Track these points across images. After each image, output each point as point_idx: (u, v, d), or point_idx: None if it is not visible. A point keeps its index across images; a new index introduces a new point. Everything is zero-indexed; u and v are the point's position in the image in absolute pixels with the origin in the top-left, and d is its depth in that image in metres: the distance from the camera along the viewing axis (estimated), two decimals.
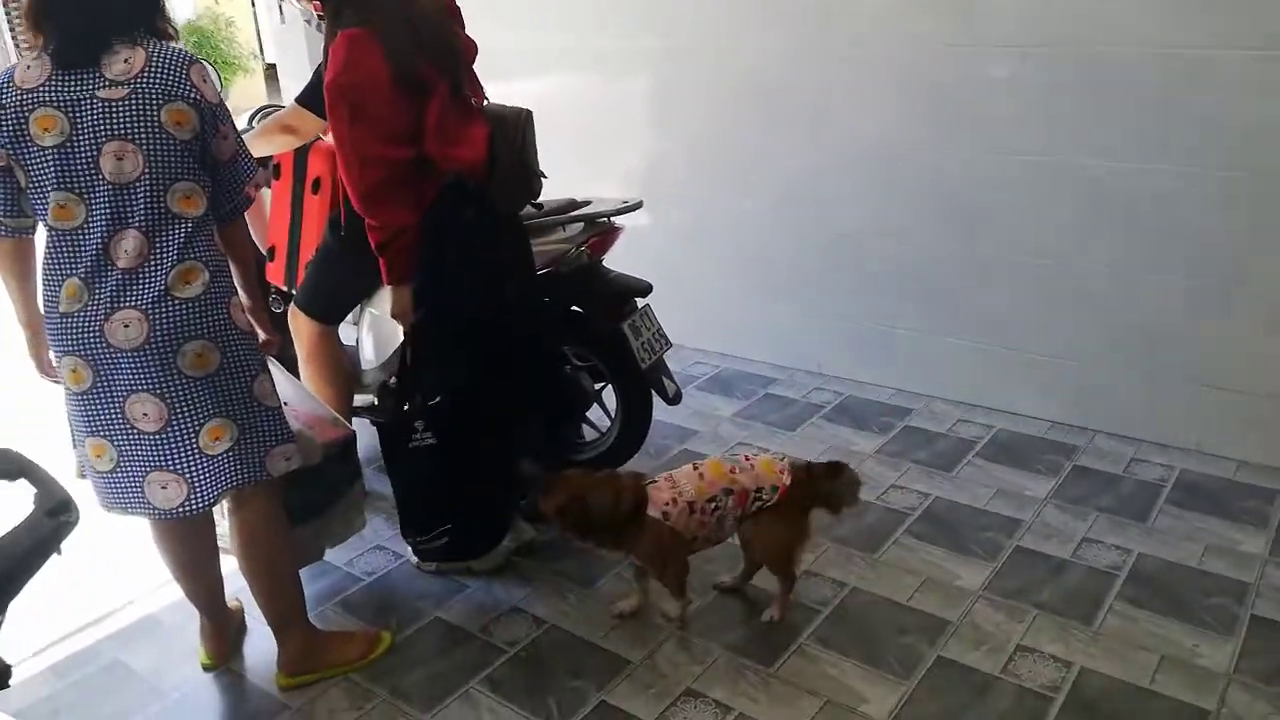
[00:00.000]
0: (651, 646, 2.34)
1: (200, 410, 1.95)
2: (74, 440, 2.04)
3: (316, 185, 2.87)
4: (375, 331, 2.98)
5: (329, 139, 2.93)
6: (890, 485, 3.01)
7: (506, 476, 2.67)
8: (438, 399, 2.50)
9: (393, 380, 2.99)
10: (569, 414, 3.06)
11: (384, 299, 2.91)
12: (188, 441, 1.96)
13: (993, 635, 2.33)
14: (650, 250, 3.29)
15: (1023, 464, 3.10)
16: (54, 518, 1.03)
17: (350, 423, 2.58)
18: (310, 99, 2.64)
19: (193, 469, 1.97)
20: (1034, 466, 3.07)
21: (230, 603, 2.40)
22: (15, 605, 1.03)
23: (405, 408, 2.57)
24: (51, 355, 2.01)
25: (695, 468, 2.31)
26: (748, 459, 2.32)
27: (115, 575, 2.68)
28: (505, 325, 2.52)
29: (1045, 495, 2.91)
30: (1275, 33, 2.67)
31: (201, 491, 1.99)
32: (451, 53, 2.36)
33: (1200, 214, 2.89)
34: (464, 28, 2.47)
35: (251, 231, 2.34)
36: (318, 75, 2.69)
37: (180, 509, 1.99)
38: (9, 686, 1.10)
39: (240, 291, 2.07)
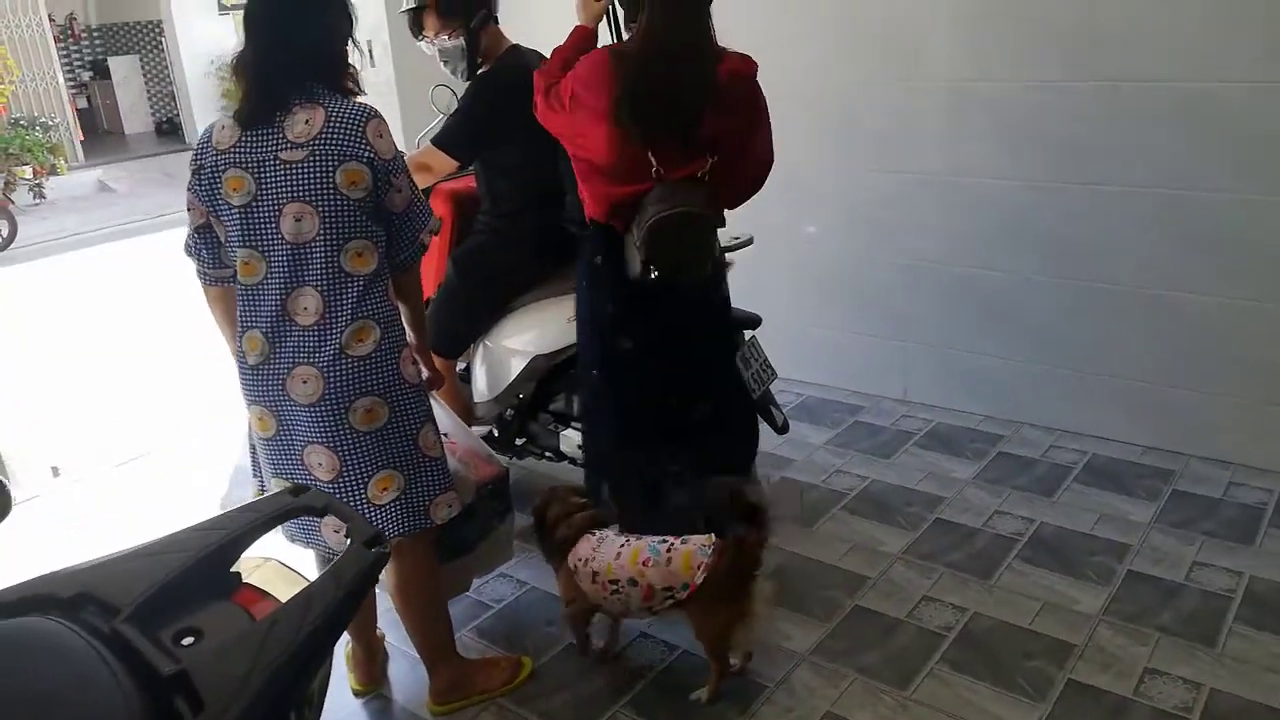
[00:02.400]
0: (785, 669, 2.42)
1: (369, 462, 2.05)
2: (256, 472, 2.16)
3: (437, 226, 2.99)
4: (489, 364, 3.09)
5: (448, 183, 3.07)
6: (995, 511, 3.08)
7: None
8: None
9: (509, 413, 3.11)
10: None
11: (500, 332, 3.04)
12: (357, 492, 2.06)
13: (1119, 658, 2.39)
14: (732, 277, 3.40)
15: (1122, 488, 3.16)
16: (371, 548, 1.13)
17: None
18: (446, 142, 2.76)
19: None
20: (1134, 491, 3.14)
21: (377, 632, 2.50)
22: None
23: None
24: (243, 401, 2.12)
25: (623, 544, 2.28)
26: (669, 550, 2.22)
27: None
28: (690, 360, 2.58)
29: (1149, 520, 2.97)
30: None
31: None
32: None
33: None
34: None
35: None
36: (453, 115, 2.82)
37: None
38: None
39: (409, 332, 2.18)
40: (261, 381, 2.03)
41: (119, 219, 9.57)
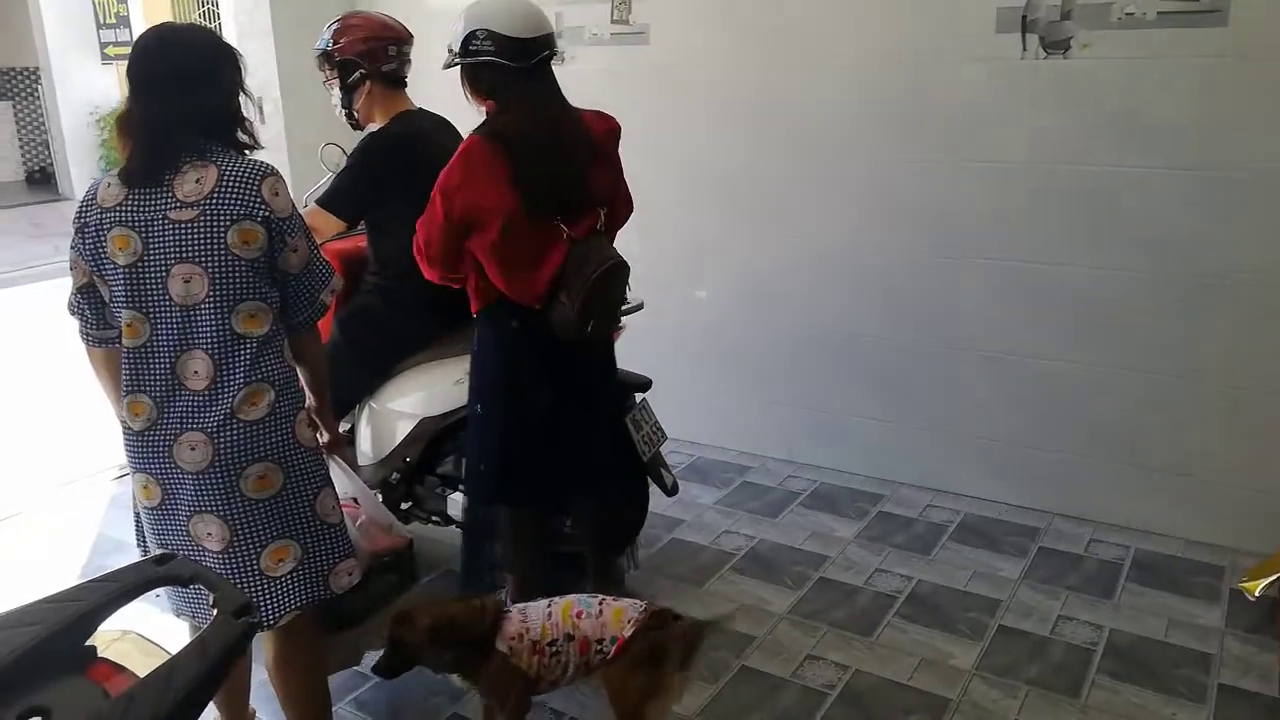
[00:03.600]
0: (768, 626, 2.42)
1: (263, 532, 1.97)
2: (140, 542, 2.07)
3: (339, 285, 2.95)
4: (374, 426, 3.03)
5: (336, 243, 3.04)
6: (876, 569, 3.17)
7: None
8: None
9: (394, 476, 3.05)
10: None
11: (386, 394, 2.99)
12: (249, 563, 1.97)
13: (991, 712, 2.48)
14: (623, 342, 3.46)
15: (992, 545, 3.30)
16: (238, 618, 1.09)
17: None
18: (330, 202, 2.74)
19: (255, 590, 1.98)
20: (1003, 548, 3.28)
21: (248, 710, 2.38)
22: None
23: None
24: (128, 468, 2.02)
25: (549, 605, 2.19)
26: (601, 604, 2.17)
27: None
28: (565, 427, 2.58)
29: (1018, 575, 3.11)
30: None
31: (265, 611, 2.00)
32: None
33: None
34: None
35: None
36: (339, 174, 2.81)
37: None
38: None
39: (309, 395, 2.13)
40: (147, 448, 1.94)
41: (35, 259, 9.03)
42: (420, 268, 2.49)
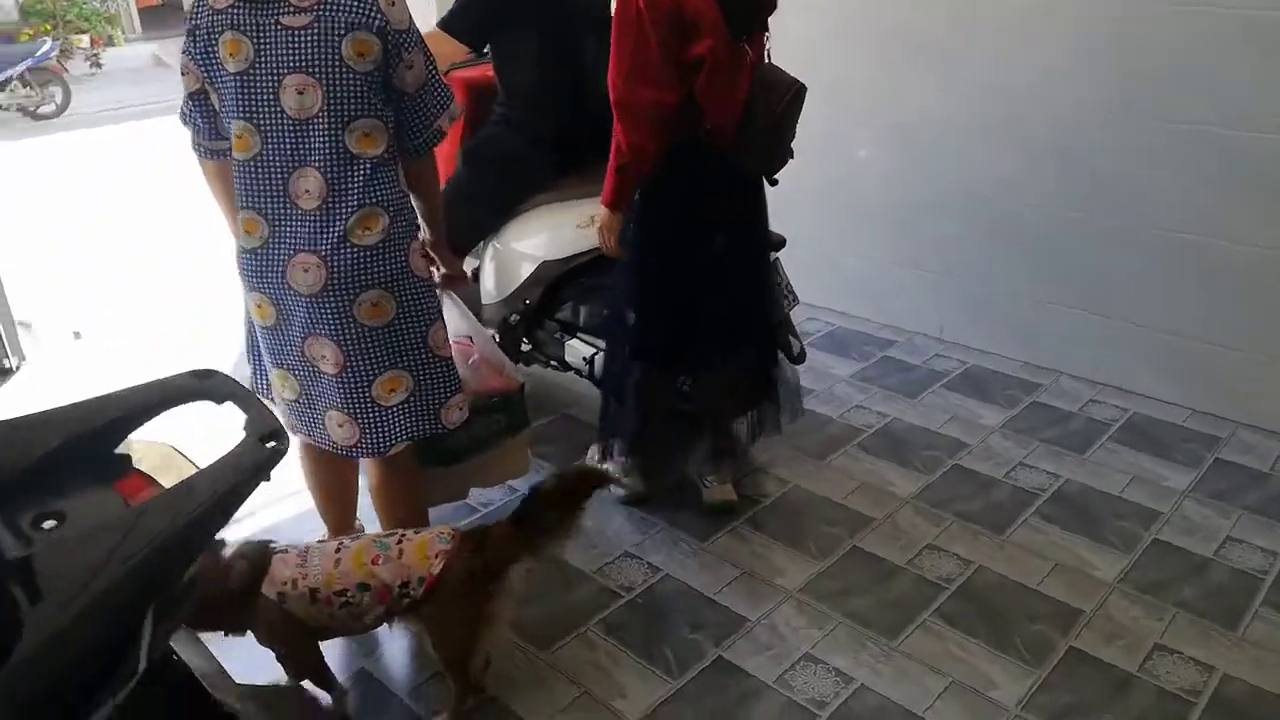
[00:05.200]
0: (769, 606, 2.31)
1: (376, 360, 1.94)
2: (253, 364, 2.08)
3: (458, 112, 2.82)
4: (498, 265, 2.95)
5: (463, 71, 2.89)
6: (1019, 463, 2.90)
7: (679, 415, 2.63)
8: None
9: (514, 317, 2.98)
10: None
11: (510, 233, 2.89)
12: (362, 390, 1.95)
13: (1129, 630, 2.23)
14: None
15: (1160, 451, 2.95)
16: (266, 444, 1.01)
17: None
18: (450, 23, 2.57)
19: (367, 417, 1.97)
20: (1173, 455, 2.92)
21: (355, 525, 2.44)
22: None
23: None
24: (241, 286, 2.01)
25: (338, 549, 1.88)
26: (400, 543, 1.88)
27: None
28: (715, 284, 2.44)
29: (1186, 487, 2.77)
30: None
31: (375, 439, 2.00)
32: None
33: None
34: None
35: None
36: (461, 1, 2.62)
37: (354, 449, 2.02)
38: None
39: (424, 227, 2.05)
40: (260, 266, 1.91)
41: (172, 94, 9.51)
42: (618, 102, 2.20)
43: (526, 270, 2.83)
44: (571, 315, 2.86)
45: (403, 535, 1.91)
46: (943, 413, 3.18)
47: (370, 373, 1.94)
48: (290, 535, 2.52)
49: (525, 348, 3.05)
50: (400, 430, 2.00)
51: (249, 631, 1.85)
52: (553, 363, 3.01)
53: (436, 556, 1.85)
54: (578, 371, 2.92)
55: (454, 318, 2.30)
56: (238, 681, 1.28)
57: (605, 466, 2.75)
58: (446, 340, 2.06)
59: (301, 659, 1.94)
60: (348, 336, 1.90)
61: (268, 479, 1.02)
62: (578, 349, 2.87)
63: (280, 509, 2.65)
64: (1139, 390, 3.25)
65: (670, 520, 2.63)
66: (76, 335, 4.02)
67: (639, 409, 2.62)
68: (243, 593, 1.80)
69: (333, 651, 2.09)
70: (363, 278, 1.88)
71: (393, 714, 2.04)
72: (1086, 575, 2.41)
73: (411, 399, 1.99)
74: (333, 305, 1.88)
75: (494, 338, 3.02)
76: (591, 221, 2.60)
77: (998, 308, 3.50)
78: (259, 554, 1.86)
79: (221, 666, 1.30)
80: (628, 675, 2.11)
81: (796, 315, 3.70)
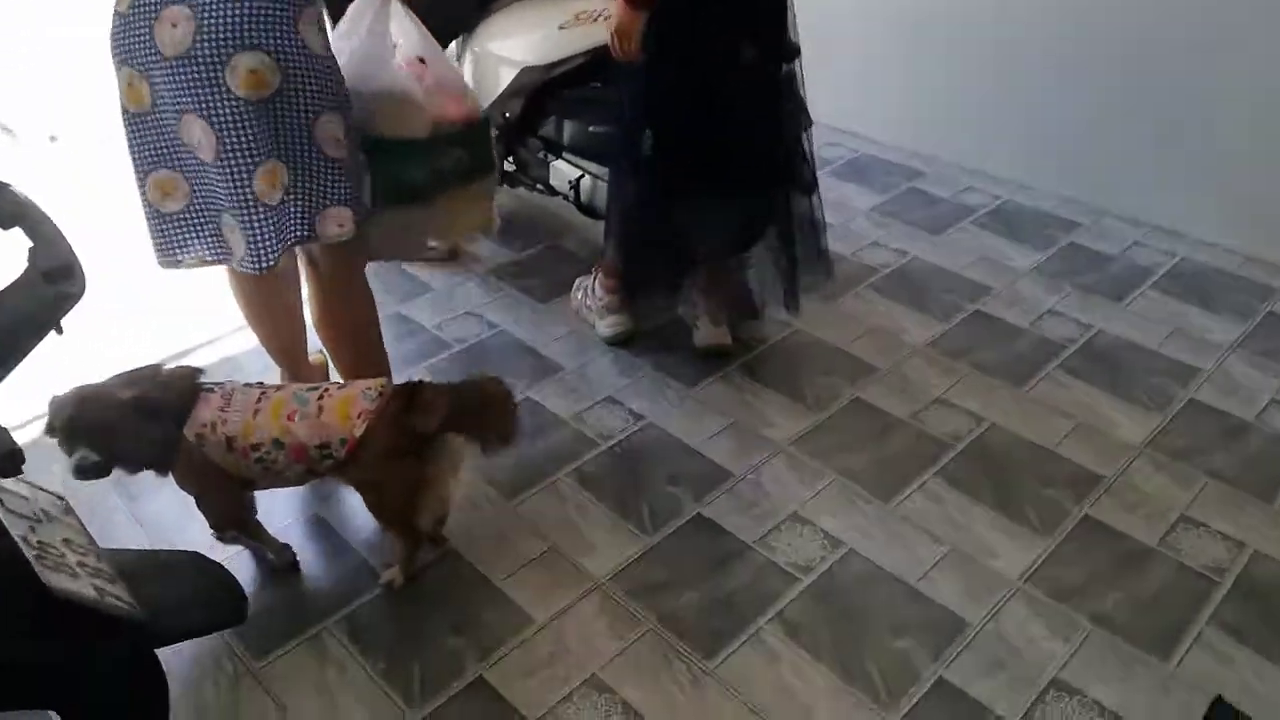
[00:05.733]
0: (756, 460, 2.12)
1: (253, 145, 1.63)
2: (139, 179, 1.77)
3: None
4: (475, 71, 2.60)
5: None
6: (1047, 310, 2.62)
7: (678, 247, 2.35)
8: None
9: (494, 133, 2.66)
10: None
11: (486, 33, 2.53)
12: (242, 182, 1.66)
13: (1152, 499, 2.03)
14: None
15: (1207, 302, 2.66)
16: (53, 284, 0.77)
17: None
18: None
19: (250, 217, 1.69)
20: (1220, 307, 2.64)
21: (313, 357, 2.23)
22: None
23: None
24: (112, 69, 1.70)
25: (260, 398, 1.68)
26: (321, 399, 1.67)
27: (193, 310, 2.53)
28: (735, 89, 2.12)
29: (1231, 343, 2.50)
30: None
31: (261, 247, 1.72)
32: None
33: None
34: None
35: None
36: None
37: (244, 263, 1.75)
38: (21, 472, 0.90)
39: None
40: (127, 31, 1.61)
41: None
42: None
43: (506, 77, 2.50)
44: (555, 132, 2.54)
45: (325, 390, 1.69)
46: (967, 253, 2.89)
47: (249, 160, 1.64)
48: (252, 368, 2.35)
49: (508, 166, 2.76)
50: (282, 233, 1.71)
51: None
52: (538, 186, 2.73)
53: (359, 417, 1.64)
54: (565, 197, 2.65)
55: (406, 32, 1.97)
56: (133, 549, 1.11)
57: (593, 302, 2.51)
58: (341, 140, 1.72)
59: (220, 509, 1.79)
60: (220, 110, 1.60)
61: (59, 331, 0.78)
62: (563, 171, 2.58)
63: (242, 339, 2.44)
64: (1190, 233, 2.92)
65: (657, 364, 2.41)
66: (53, 139, 3.80)
67: (636, 237, 2.35)
68: (163, 428, 1.63)
69: (283, 497, 1.94)
70: (239, 36, 1.56)
71: (347, 564, 1.90)
72: (1111, 437, 2.19)
73: (288, 196, 1.69)
74: (202, 68, 1.57)
75: None
76: (576, 20, 2.25)
77: (1041, 135, 3.13)
78: (185, 387, 1.68)
79: (90, 537, 1.13)
80: (598, 530, 1.95)
81: (814, 139, 3.36)
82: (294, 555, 1.87)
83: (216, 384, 1.71)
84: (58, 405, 1.57)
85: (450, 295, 2.69)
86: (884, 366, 2.40)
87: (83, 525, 1.14)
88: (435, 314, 2.60)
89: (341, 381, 1.75)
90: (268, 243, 1.71)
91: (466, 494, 2.02)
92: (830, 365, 2.41)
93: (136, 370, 1.67)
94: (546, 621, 1.76)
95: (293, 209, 1.70)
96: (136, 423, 1.58)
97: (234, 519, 1.81)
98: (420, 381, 1.74)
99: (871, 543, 1.92)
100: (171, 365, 1.75)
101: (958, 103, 3.28)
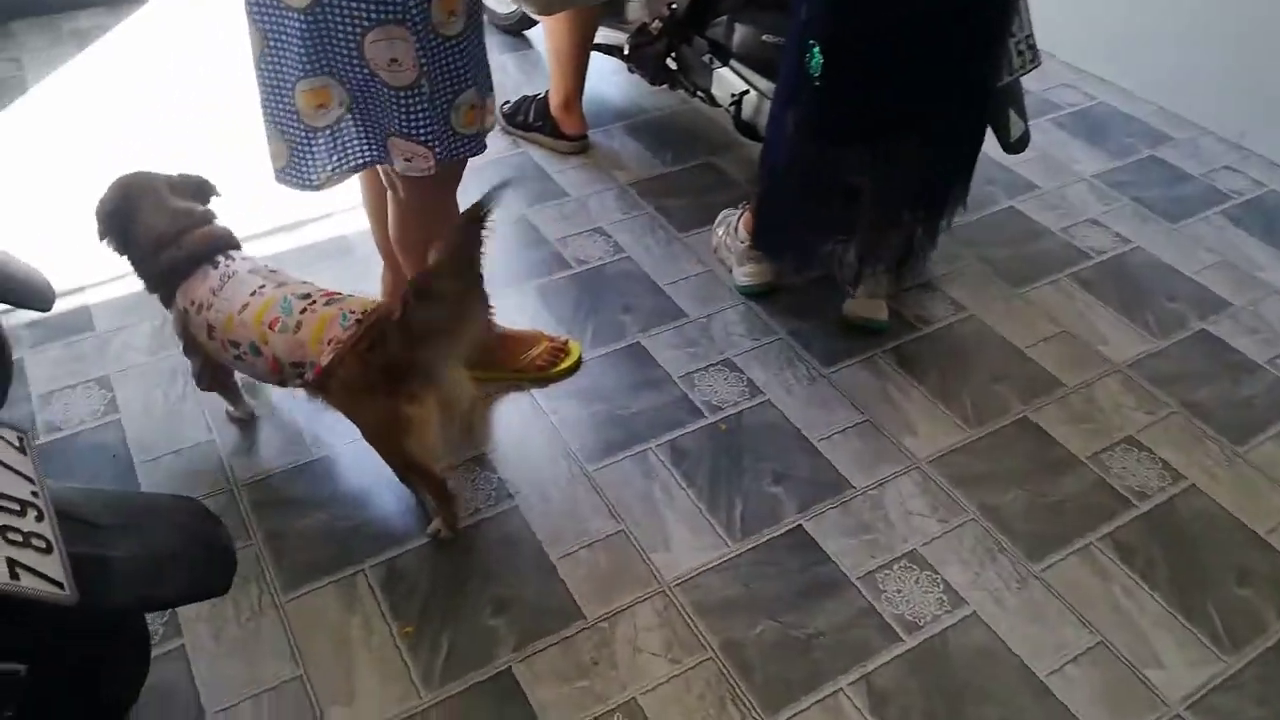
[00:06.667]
0: (883, 475, 1.78)
1: (298, 59, 1.43)
2: (277, 98, 1.50)
3: None
4: None
5: None
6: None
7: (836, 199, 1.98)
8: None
9: (655, 24, 2.31)
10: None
11: None
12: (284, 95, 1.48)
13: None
14: None
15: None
16: None
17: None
18: None
19: (295, 133, 1.51)
20: None
21: None
22: None
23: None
24: None
25: (256, 292, 1.55)
26: (304, 312, 1.51)
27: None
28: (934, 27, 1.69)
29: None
30: None
31: (304, 166, 1.55)
32: None
33: None
34: None
35: None
36: None
37: (285, 173, 1.58)
38: None
39: None
40: None
41: None
42: None
43: None
44: (725, 35, 2.17)
45: (313, 302, 1.53)
46: (1207, 253, 2.33)
47: (292, 75, 1.44)
48: (363, 251, 2.16)
49: (669, 64, 2.41)
50: (326, 158, 1.54)
51: None
52: (698, 93, 2.37)
53: (329, 344, 1.48)
54: (726, 110, 2.29)
55: None
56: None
57: (734, 243, 2.18)
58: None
59: (200, 370, 1.74)
60: (269, 18, 1.40)
61: None
62: (727, 81, 2.22)
63: (358, 218, 2.24)
64: None
65: (793, 330, 2.07)
66: None
67: (783, 178, 1.99)
68: (169, 267, 1.61)
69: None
70: None
71: (402, 502, 1.71)
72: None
73: (345, 120, 1.50)
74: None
75: (625, 49, 2.41)
76: None
77: None
78: (201, 242, 1.61)
79: (37, 485, 0.95)
80: (679, 522, 1.69)
81: (1041, 79, 2.83)
82: (251, 417, 1.84)
83: (234, 255, 1.62)
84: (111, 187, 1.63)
85: (583, 206, 2.41)
86: (1069, 383, 1.97)
87: (35, 469, 0.97)
88: (562, 225, 2.34)
89: (337, 293, 1.57)
90: (312, 163, 1.52)
91: (544, 444, 1.80)
92: (1002, 369, 2.00)
93: (186, 207, 1.64)
94: (595, 621, 1.54)
95: (350, 132, 1.50)
96: (148, 248, 1.60)
97: (213, 384, 1.77)
98: (401, 310, 1.43)
99: (1003, 613, 1.56)
100: (218, 221, 1.67)
101: (1234, 62, 2.63)
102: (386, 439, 1.54)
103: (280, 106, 1.49)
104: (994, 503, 1.73)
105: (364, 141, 1.51)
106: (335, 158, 1.53)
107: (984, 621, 1.55)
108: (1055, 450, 1.83)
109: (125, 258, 1.66)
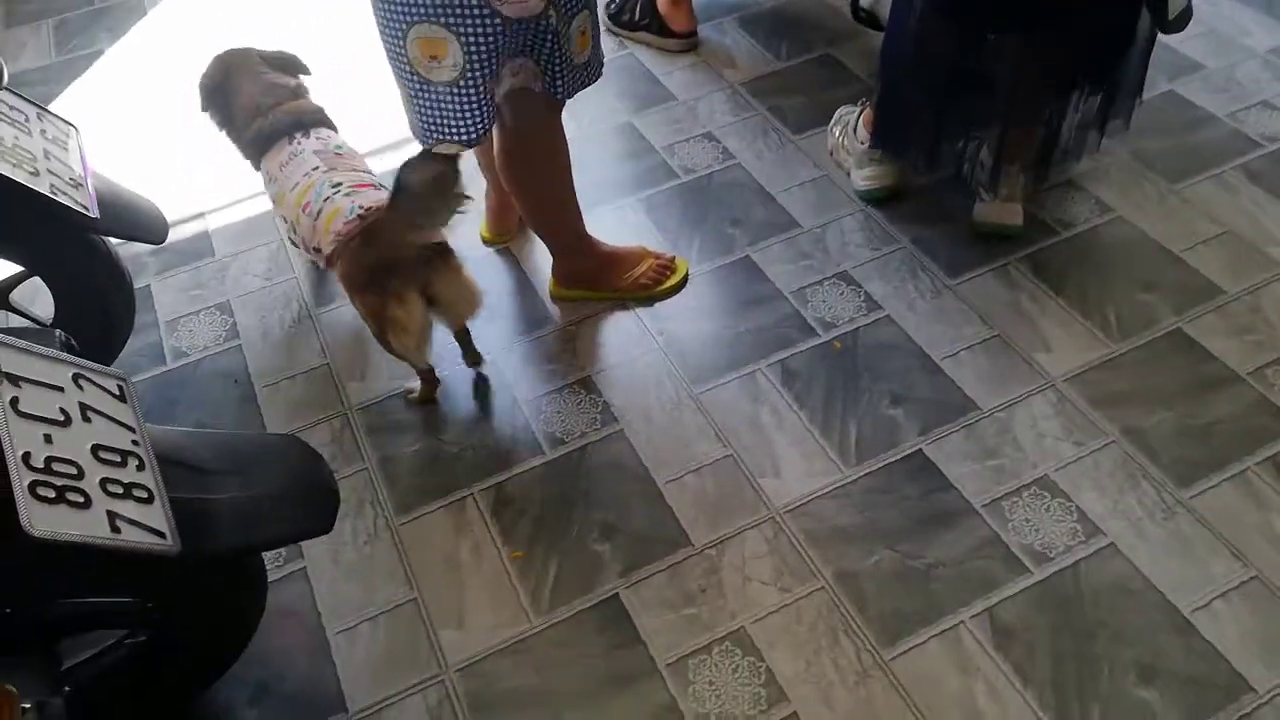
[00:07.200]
0: (1013, 395, 1.66)
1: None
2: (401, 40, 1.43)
3: None
4: None
5: None
6: None
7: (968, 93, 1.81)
8: None
9: None
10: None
11: None
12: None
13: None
14: None
15: None
16: None
17: None
18: None
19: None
20: None
21: None
22: None
23: None
24: None
25: (310, 173, 1.64)
26: (328, 199, 1.58)
27: None
28: None
29: None
30: None
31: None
32: None
33: None
34: None
35: None
36: None
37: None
38: None
39: None
40: None
41: None
42: None
43: None
44: None
45: (337, 190, 1.59)
46: None
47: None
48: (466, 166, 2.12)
49: None
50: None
51: None
52: (860, 11, 2.19)
53: (334, 236, 1.56)
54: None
55: None
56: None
57: (852, 144, 2.03)
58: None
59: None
60: None
61: None
62: None
63: None
64: None
65: (917, 238, 1.93)
66: None
67: (910, 70, 1.82)
68: (255, 138, 1.73)
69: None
70: None
71: (515, 426, 1.70)
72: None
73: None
74: None
75: None
76: None
77: None
78: (284, 116, 1.71)
79: (138, 432, 0.97)
80: (791, 447, 1.62)
81: None
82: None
83: (312, 134, 1.70)
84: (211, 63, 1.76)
85: (691, 110, 2.29)
86: (1231, 290, 1.77)
87: (136, 416, 0.98)
88: (669, 132, 2.23)
89: (369, 185, 1.62)
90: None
91: (650, 366, 1.75)
92: (1151, 276, 1.81)
93: (279, 81, 1.75)
94: (702, 548, 1.51)
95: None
96: (243, 120, 1.72)
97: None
98: (381, 216, 1.51)
99: (1144, 544, 1.45)
100: (311, 103, 1.77)
101: None
102: (376, 333, 1.60)
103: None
104: (1138, 424, 1.58)
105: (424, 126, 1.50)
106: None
107: (1122, 553, 1.44)
108: (1211, 366, 1.65)
109: (224, 132, 1.78)
